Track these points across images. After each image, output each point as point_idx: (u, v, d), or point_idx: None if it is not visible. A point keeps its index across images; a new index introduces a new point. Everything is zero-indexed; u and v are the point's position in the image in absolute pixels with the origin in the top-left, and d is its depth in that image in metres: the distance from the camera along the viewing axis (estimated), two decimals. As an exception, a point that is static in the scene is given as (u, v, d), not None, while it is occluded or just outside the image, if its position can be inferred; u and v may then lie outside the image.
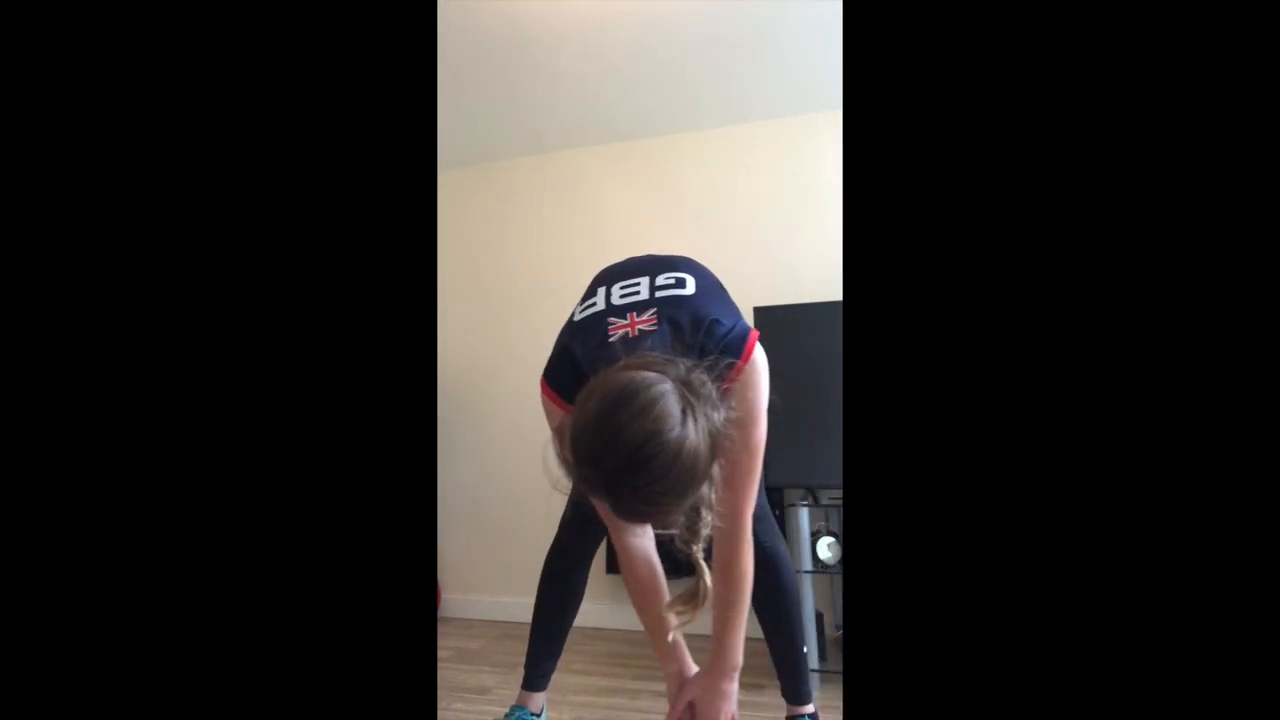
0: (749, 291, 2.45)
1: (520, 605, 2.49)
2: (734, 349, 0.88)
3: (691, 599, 0.88)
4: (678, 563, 2.51)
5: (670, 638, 1.03)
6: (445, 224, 2.86)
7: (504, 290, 2.75)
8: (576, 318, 1.00)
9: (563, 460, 0.78)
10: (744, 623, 0.98)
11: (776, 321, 2.06)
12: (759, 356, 0.92)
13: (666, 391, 0.72)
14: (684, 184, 2.60)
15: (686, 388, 0.75)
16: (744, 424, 0.87)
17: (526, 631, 1.37)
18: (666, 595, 1.02)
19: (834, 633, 2.09)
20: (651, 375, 0.74)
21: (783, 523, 2.07)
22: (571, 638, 1.38)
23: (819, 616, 1.87)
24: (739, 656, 0.98)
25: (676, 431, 0.70)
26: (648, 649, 2.14)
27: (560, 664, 1.38)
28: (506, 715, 1.33)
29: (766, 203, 2.49)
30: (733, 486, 0.90)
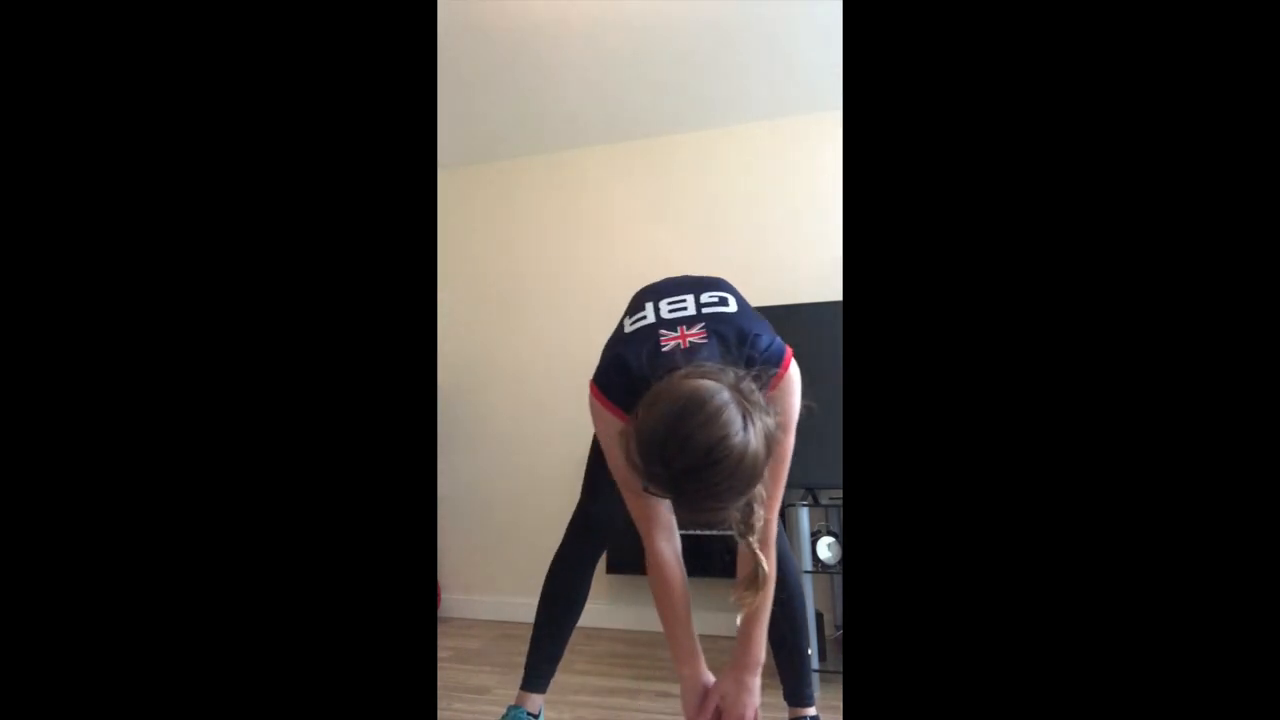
0: (749, 292, 2.44)
1: (520, 605, 2.49)
2: (774, 361, 0.99)
3: (753, 583, 0.94)
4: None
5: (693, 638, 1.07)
6: (445, 224, 2.86)
7: (504, 290, 2.74)
8: (627, 329, 1.07)
9: (630, 462, 0.84)
10: (767, 620, 1.03)
11: (777, 321, 2.04)
12: (794, 369, 1.02)
13: (729, 400, 0.80)
14: (685, 184, 2.60)
15: (741, 395, 0.82)
16: (781, 430, 0.94)
17: (526, 631, 1.37)
18: (688, 599, 1.07)
19: (834, 633, 2.09)
20: (713, 385, 0.82)
21: (783, 523, 2.07)
22: (571, 637, 1.38)
23: (819, 616, 1.87)
24: (762, 652, 1.04)
25: (740, 437, 0.78)
26: (647, 649, 2.14)
27: (560, 664, 1.38)
28: (504, 716, 1.33)
29: (766, 203, 2.49)
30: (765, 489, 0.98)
